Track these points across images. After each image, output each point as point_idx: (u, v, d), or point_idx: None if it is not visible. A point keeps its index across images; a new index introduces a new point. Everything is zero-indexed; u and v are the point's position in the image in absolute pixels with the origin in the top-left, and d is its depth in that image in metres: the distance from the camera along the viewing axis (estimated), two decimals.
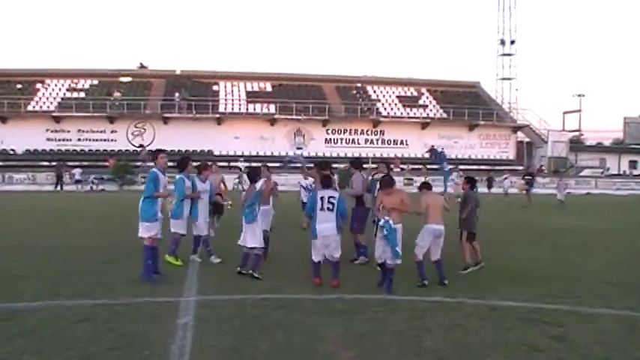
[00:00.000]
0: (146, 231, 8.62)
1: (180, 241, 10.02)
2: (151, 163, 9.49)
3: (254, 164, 12.29)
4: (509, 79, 61.11)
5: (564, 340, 6.03)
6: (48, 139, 46.36)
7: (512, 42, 61.18)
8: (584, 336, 6.19)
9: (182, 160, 10.28)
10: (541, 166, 52.72)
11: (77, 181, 36.24)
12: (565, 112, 63.46)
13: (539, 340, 5.99)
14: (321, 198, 8.53)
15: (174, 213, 9.87)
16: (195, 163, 10.79)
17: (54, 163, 39.71)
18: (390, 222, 7.95)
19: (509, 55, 61.57)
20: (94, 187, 36.22)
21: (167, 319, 6.54)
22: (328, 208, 8.43)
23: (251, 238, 8.92)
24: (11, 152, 45.24)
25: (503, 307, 7.39)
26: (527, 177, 25.70)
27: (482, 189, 31.88)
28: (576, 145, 61.29)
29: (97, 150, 46.07)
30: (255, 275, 8.72)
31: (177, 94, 48.64)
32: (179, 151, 41.96)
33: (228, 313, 6.87)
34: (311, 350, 5.62)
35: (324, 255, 8.49)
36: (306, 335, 6.05)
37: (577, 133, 65.14)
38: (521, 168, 47.63)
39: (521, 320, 6.75)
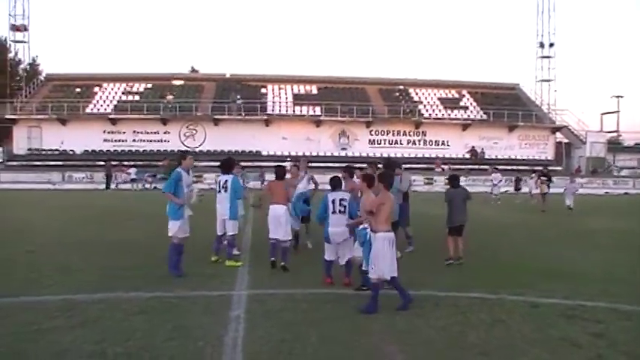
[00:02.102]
0: (171, 229, 8.94)
1: (235, 242, 10.12)
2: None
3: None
4: (548, 80, 61.03)
5: (604, 336, 6.06)
6: (105, 140, 48.27)
7: (551, 45, 61.34)
8: (624, 333, 6.22)
9: (227, 162, 10.25)
10: (578, 166, 52.17)
11: (132, 180, 37.69)
12: (603, 114, 63.70)
13: (579, 337, 6.04)
14: (333, 201, 8.47)
15: (231, 214, 9.79)
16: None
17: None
18: (368, 230, 7.15)
19: (548, 57, 61.51)
20: (148, 185, 37.39)
21: (220, 312, 6.80)
22: (340, 211, 8.38)
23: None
24: (71, 152, 47.26)
25: (544, 303, 7.43)
26: (542, 177, 24.57)
27: (509, 189, 31.61)
28: (614, 145, 60.85)
29: (150, 150, 47.51)
30: (287, 267, 9.20)
31: (238, 97, 49.77)
32: (229, 151, 42.94)
33: (277, 306, 7.09)
34: (356, 344, 5.78)
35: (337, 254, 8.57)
36: (351, 329, 6.22)
37: (615, 134, 64.84)
38: (559, 168, 47.11)
39: (561, 317, 6.80)
